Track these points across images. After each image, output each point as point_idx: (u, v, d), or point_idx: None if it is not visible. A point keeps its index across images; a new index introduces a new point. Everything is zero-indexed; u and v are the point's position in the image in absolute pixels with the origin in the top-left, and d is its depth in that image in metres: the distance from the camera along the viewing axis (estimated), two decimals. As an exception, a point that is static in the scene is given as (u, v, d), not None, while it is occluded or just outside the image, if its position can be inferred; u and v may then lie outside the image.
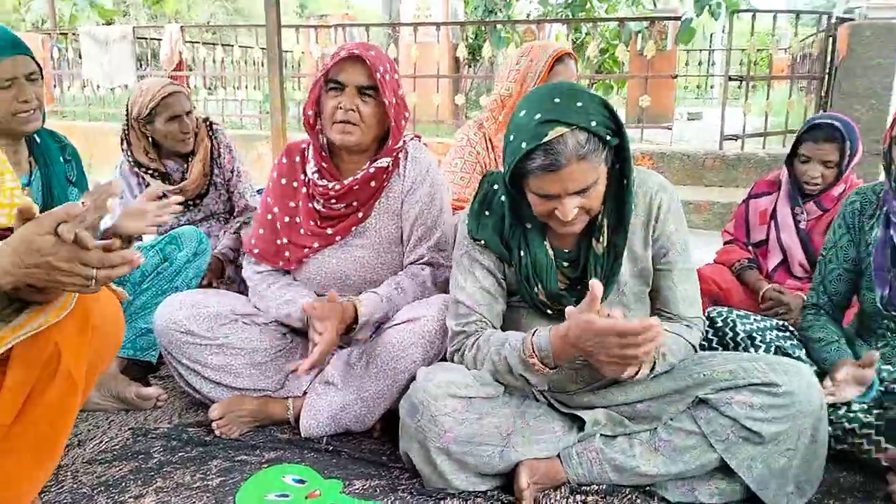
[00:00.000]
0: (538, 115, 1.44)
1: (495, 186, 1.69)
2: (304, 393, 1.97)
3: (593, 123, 1.44)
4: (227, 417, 1.92)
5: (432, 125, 6.58)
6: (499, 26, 7.43)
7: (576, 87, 1.54)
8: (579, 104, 1.45)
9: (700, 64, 13.72)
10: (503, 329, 1.75)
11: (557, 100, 1.46)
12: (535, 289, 1.65)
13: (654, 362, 1.58)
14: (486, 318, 1.70)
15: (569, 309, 1.48)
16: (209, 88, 8.36)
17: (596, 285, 1.40)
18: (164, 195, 2.22)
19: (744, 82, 5.78)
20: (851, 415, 1.79)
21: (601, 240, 1.61)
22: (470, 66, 8.73)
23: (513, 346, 1.60)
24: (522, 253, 1.65)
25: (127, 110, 2.63)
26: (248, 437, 1.94)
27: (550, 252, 1.65)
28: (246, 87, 8.13)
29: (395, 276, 2.00)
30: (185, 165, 2.72)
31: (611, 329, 1.38)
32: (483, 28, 8.25)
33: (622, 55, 6.96)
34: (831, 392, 1.70)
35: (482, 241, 1.68)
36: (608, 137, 1.47)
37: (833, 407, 1.80)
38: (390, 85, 1.88)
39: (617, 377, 1.51)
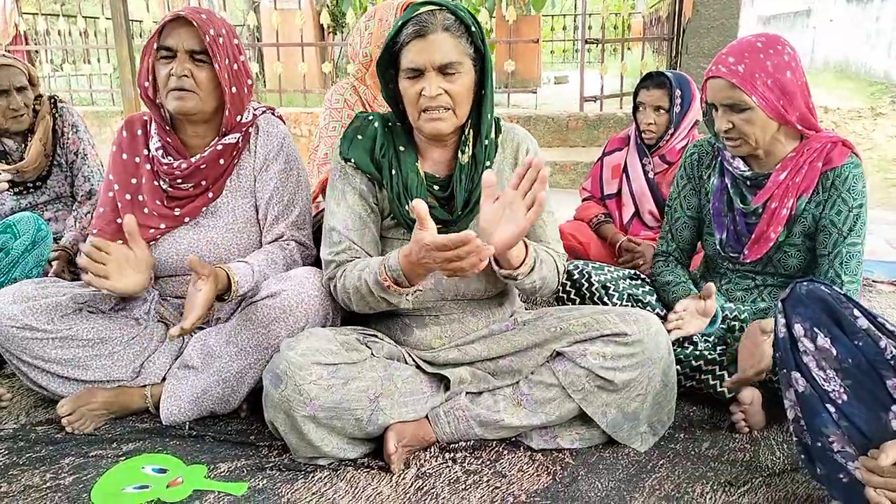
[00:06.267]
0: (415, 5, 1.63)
1: (370, 118, 1.76)
2: (163, 379, 1.88)
3: (460, 12, 1.61)
4: (78, 412, 1.80)
5: (299, 95, 6.40)
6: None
7: None
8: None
9: (564, 29, 14.07)
10: None
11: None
12: (406, 206, 1.68)
13: (534, 263, 1.63)
14: (357, 244, 1.72)
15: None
16: (52, 62, 7.70)
17: (489, 175, 1.48)
18: None
19: (599, 45, 5.96)
20: (697, 353, 1.91)
21: (465, 151, 1.69)
22: (335, 33, 8.53)
23: (371, 269, 1.62)
24: (394, 172, 1.70)
25: None
26: (103, 430, 1.83)
27: (422, 172, 1.71)
28: (99, 61, 7.56)
29: (265, 247, 1.91)
30: (25, 145, 2.56)
31: (432, 244, 1.42)
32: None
33: (486, 21, 7.01)
34: (676, 326, 1.80)
35: (352, 161, 1.71)
36: (472, 29, 1.62)
37: (681, 347, 1.92)
38: (225, 49, 1.79)
39: (465, 276, 1.48)
